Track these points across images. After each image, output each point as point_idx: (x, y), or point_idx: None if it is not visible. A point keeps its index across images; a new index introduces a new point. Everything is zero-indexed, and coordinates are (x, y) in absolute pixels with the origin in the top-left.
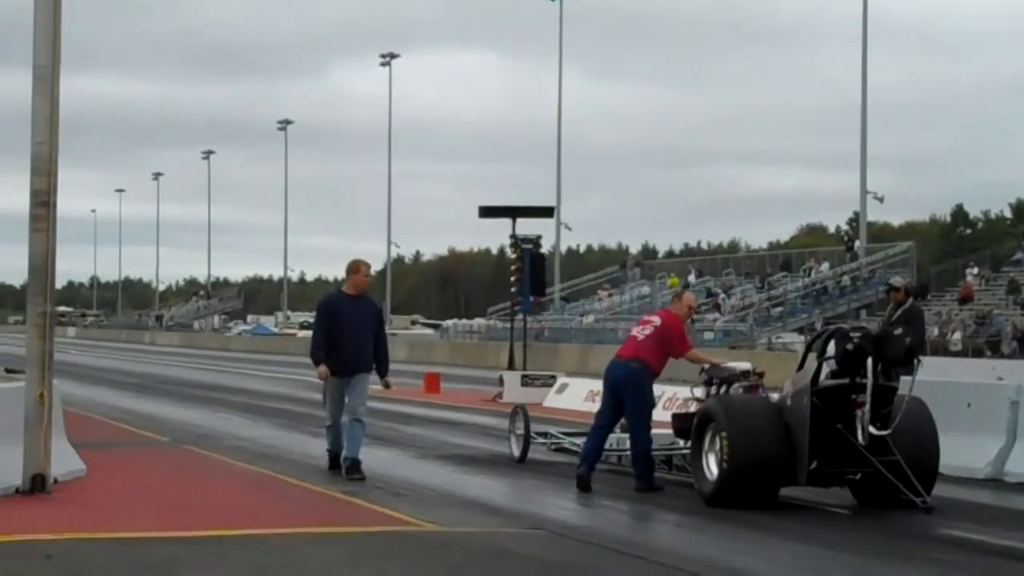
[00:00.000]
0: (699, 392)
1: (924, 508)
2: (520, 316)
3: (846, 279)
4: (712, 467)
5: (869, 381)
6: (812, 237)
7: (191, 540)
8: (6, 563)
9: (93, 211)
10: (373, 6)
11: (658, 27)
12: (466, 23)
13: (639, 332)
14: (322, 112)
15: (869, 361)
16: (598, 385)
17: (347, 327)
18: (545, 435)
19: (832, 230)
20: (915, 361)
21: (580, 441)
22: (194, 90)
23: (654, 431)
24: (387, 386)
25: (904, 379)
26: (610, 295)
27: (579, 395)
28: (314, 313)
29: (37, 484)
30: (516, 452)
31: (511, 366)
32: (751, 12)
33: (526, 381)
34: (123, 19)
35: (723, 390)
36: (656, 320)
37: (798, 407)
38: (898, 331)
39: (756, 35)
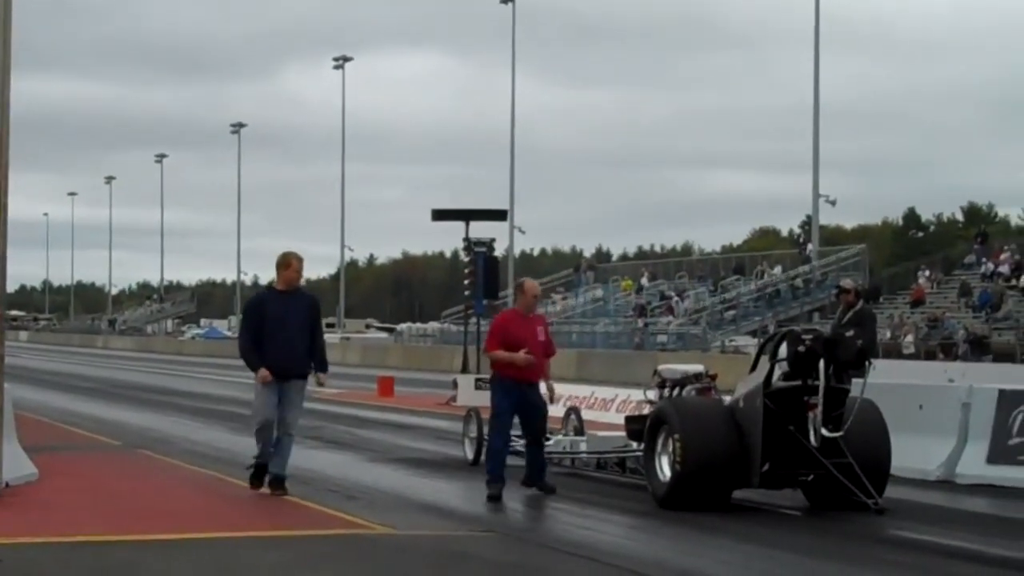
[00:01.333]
0: (652, 394)
1: (876, 509)
2: (474, 319)
3: (799, 282)
4: (665, 469)
5: (821, 383)
6: (765, 240)
7: (144, 544)
8: None
9: (45, 214)
10: (325, 8)
11: (612, 29)
12: (418, 25)
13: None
14: (275, 114)
15: (821, 363)
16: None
17: (277, 325)
18: None
19: (785, 233)
20: (866, 363)
21: None
22: (146, 92)
23: (608, 433)
24: (320, 383)
25: (856, 381)
26: (564, 298)
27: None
28: None
29: None
30: (470, 455)
31: (465, 369)
32: (706, 14)
33: (480, 384)
34: (74, 20)
35: (676, 392)
36: None
37: (751, 409)
38: (849, 333)
39: (710, 38)
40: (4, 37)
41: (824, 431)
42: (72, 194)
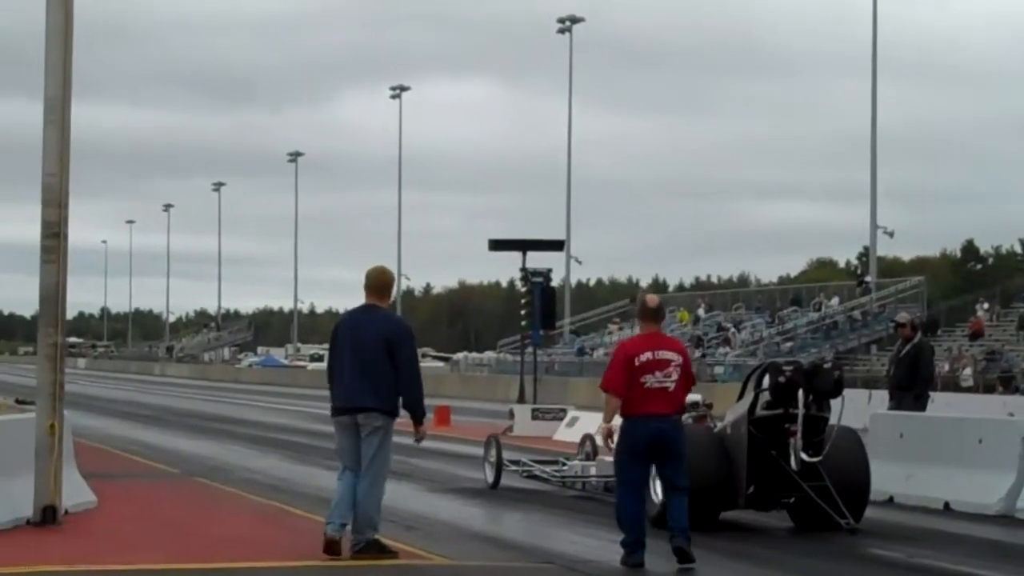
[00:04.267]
0: None
1: (849, 529)
2: (530, 349)
3: (856, 313)
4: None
5: (800, 411)
6: (822, 271)
7: (202, 572)
8: None
9: (104, 242)
10: (379, 36)
11: (666, 57)
12: (471, 53)
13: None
14: (330, 142)
15: (800, 393)
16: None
17: (345, 349)
18: (517, 463)
19: (842, 264)
20: (842, 394)
21: (550, 469)
22: (203, 120)
23: (611, 458)
24: (418, 440)
25: (836, 410)
26: (620, 329)
27: (590, 429)
28: (326, 346)
29: (48, 516)
30: (490, 479)
31: (521, 399)
32: (761, 42)
33: (537, 415)
34: (132, 48)
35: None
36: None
37: (737, 435)
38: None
39: (766, 65)
40: (64, 65)
41: (804, 456)
42: (130, 222)
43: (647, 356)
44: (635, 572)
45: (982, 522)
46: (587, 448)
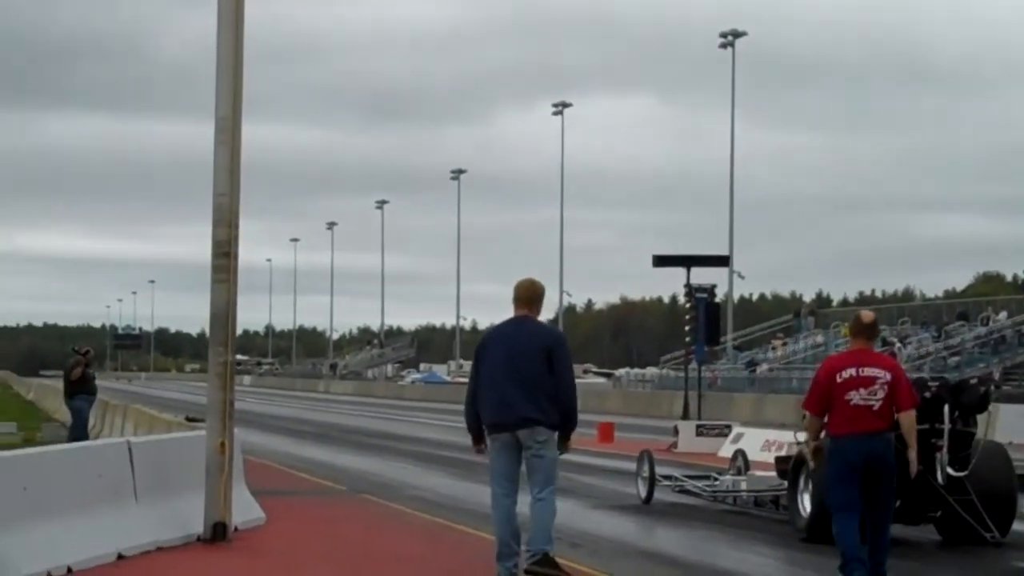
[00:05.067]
0: (801, 436)
1: (994, 543)
2: (694, 365)
3: None
4: (807, 505)
5: (946, 426)
6: (989, 285)
7: None
8: None
9: (268, 260)
10: (537, 52)
11: (829, 70)
12: (633, 68)
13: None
14: (492, 159)
15: (946, 408)
16: (774, 435)
17: (499, 363)
18: (669, 477)
19: (1009, 278)
20: (988, 409)
21: (701, 484)
22: (364, 138)
23: (766, 473)
24: (564, 449)
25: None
26: (784, 344)
27: (755, 445)
28: None
29: (218, 532)
30: (643, 493)
31: (686, 415)
32: (921, 54)
33: (701, 431)
34: (294, 68)
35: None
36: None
37: None
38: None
39: (930, 77)
40: (235, 86)
41: (950, 470)
42: (295, 240)
43: (850, 373)
44: None
45: None
46: (739, 463)
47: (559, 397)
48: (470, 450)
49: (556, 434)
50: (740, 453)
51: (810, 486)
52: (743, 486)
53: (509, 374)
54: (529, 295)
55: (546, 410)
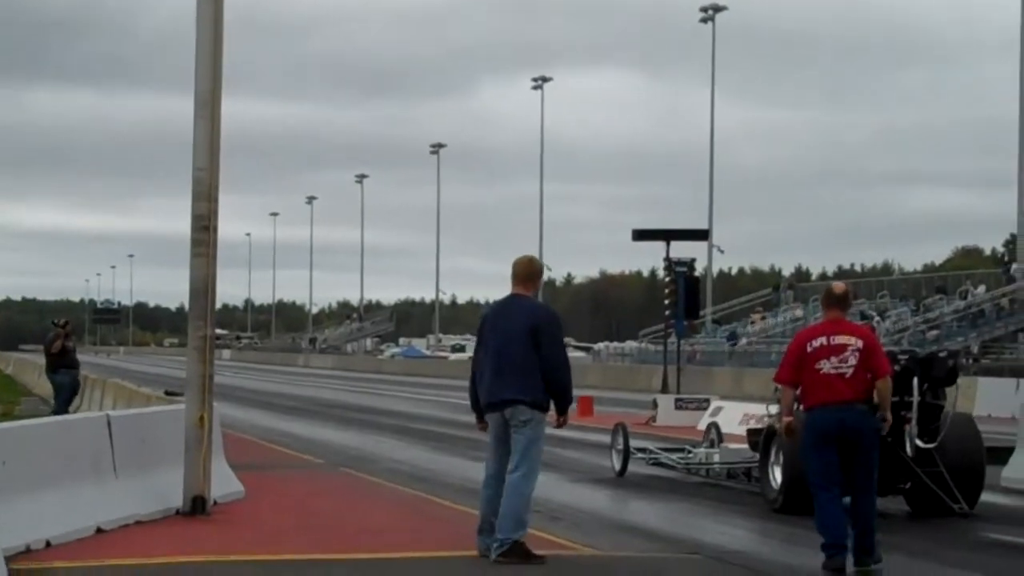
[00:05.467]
0: (774, 409)
1: (961, 513)
2: (673, 339)
3: (1004, 302)
4: (777, 477)
5: (915, 399)
6: (967, 259)
7: (352, 563)
8: None
9: (248, 235)
10: (517, 26)
11: (809, 45)
12: (613, 43)
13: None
14: (472, 133)
15: (915, 381)
16: (752, 408)
17: (489, 340)
18: (644, 450)
19: (988, 252)
20: (957, 382)
21: (676, 456)
22: (344, 112)
23: (739, 446)
24: (559, 424)
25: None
26: (763, 318)
27: (734, 418)
28: (468, 336)
29: (197, 506)
30: (617, 466)
31: (664, 389)
32: (902, 28)
33: (680, 404)
34: (273, 42)
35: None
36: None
37: None
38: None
39: (907, 51)
40: (215, 60)
41: (919, 442)
42: (274, 214)
43: (820, 342)
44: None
45: None
46: (712, 435)
47: (548, 376)
48: (474, 427)
49: (541, 413)
50: (714, 426)
51: (781, 458)
52: (716, 458)
53: (497, 353)
54: (525, 272)
55: (529, 389)
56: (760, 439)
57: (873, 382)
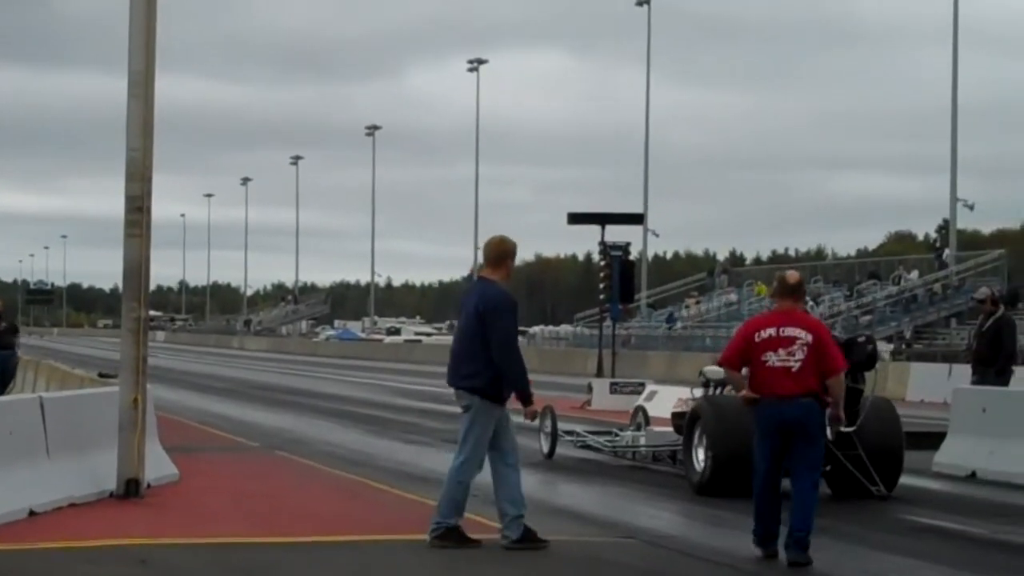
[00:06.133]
0: (697, 393)
1: (879, 495)
2: (608, 323)
3: (936, 287)
4: (700, 460)
5: None
6: (900, 244)
7: (287, 546)
8: (102, 568)
9: (182, 216)
10: (451, 6)
11: (740, 29)
12: (548, 24)
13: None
14: (407, 115)
15: None
16: (687, 393)
17: (457, 323)
18: (571, 433)
19: (921, 237)
20: (876, 366)
21: (603, 439)
22: (279, 93)
23: (665, 429)
24: (529, 417)
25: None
26: (697, 302)
27: (668, 402)
28: (403, 319)
29: (131, 489)
30: (545, 449)
31: (599, 373)
32: (836, 13)
33: (615, 388)
34: (207, 20)
35: (718, 391)
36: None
37: None
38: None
39: (842, 36)
40: (148, 39)
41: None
42: (209, 195)
43: (769, 333)
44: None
45: None
46: (639, 419)
47: (495, 364)
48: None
49: (484, 400)
50: (640, 409)
51: (704, 441)
52: (642, 441)
53: (455, 338)
54: (493, 254)
55: (472, 375)
56: (684, 422)
57: (821, 377)
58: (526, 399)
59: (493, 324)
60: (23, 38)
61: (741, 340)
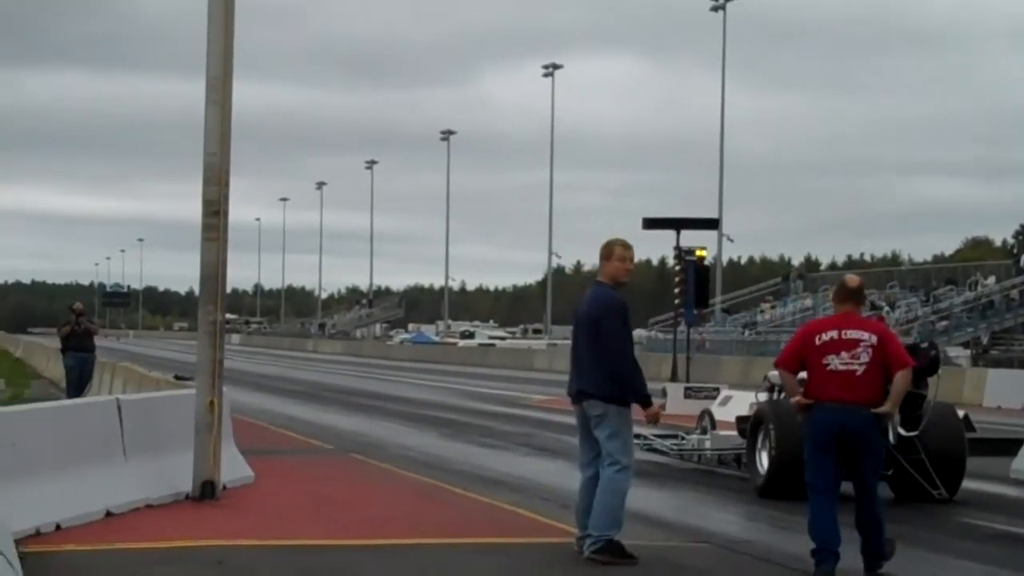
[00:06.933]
0: (762, 397)
1: (941, 499)
2: (683, 327)
3: (1014, 293)
4: (764, 463)
5: None
6: (977, 250)
7: (360, 548)
8: (178, 568)
9: (257, 220)
10: (525, 12)
11: (820, 34)
12: (623, 31)
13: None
14: (481, 120)
15: None
16: (762, 397)
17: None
18: (638, 436)
19: (998, 243)
20: (939, 372)
21: (669, 442)
22: (355, 98)
23: (730, 432)
24: (651, 419)
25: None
26: (773, 307)
27: (743, 407)
28: (477, 323)
29: (207, 491)
30: None
31: (674, 378)
32: (915, 17)
33: (689, 393)
34: (286, 26)
35: (779, 396)
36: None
37: None
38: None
39: (920, 40)
40: (226, 45)
41: (901, 431)
42: (284, 199)
43: (831, 335)
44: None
45: None
46: (704, 422)
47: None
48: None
49: (616, 406)
50: (706, 413)
51: (768, 444)
52: (707, 445)
53: (573, 345)
54: (601, 256)
55: (597, 382)
56: (747, 426)
57: (885, 382)
58: (644, 402)
59: (607, 329)
60: (99, 43)
61: (799, 342)
